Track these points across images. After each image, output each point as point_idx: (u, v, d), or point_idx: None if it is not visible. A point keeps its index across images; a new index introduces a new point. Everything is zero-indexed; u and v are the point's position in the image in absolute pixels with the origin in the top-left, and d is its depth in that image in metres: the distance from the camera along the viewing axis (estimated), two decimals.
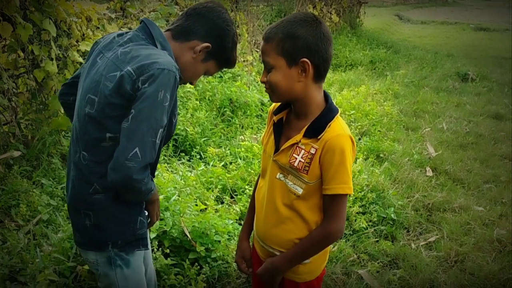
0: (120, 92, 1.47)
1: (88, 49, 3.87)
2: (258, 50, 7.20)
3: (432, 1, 33.37)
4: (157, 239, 2.76)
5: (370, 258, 3.05)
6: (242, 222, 3.06)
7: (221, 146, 4.54)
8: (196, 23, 1.66)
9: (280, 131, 1.65)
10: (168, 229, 2.77)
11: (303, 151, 1.54)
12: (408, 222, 3.50)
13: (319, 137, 1.51)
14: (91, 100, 1.53)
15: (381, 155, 4.56)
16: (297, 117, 1.61)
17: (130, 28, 4.79)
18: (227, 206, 3.33)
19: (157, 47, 1.59)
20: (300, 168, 1.54)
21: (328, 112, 1.55)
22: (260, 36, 7.23)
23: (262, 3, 11.11)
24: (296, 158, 1.55)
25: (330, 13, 10.32)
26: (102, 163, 1.53)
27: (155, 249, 2.62)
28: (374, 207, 3.46)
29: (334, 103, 1.61)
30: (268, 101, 5.87)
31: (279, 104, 1.69)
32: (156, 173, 3.24)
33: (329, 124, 1.52)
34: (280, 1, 13.25)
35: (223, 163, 4.09)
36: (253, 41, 7.07)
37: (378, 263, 3.00)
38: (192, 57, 1.67)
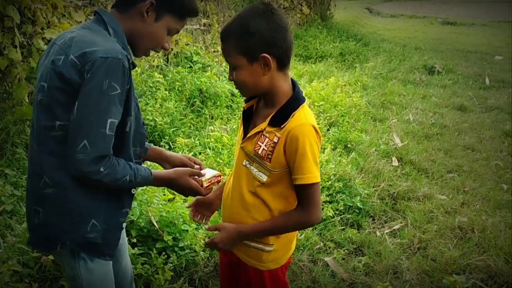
0: (67, 77, 1.42)
1: (54, 36, 3.79)
2: None
3: None
4: (124, 228, 2.75)
5: (336, 246, 3.11)
6: None
7: (190, 137, 4.52)
8: None
9: (249, 119, 1.67)
10: (135, 219, 2.76)
11: (267, 139, 1.55)
12: (373, 211, 3.58)
13: (282, 126, 1.52)
14: (42, 87, 1.48)
15: (349, 145, 4.63)
16: (266, 105, 1.62)
17: None
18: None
19: (109, 33, 1.53)
20: (264, 156, 1.55)
21: (294, 101, 1.56)
22: None
23: None
24: (260, 146, 1.56)
25: (301, 5, 10.36)
26: (52, 153, 1.48)
27: None
28: (341, 196, 3.52)
29: (303, 93, 1.63)
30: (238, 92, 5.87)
31: None
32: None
33: (293, 114, 1.53)
34: None
35: (192, 153, 4.08)
36: None
37: (344, 250, 3.06)
38: (143, 22, 1.56)
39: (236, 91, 5.75)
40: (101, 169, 1.44)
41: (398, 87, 7.33)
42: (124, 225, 1.71)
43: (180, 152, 4.08)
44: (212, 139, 4.35)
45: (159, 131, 4.44)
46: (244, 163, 1.64)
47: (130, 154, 1.61)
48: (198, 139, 4.42)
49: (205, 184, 1.71)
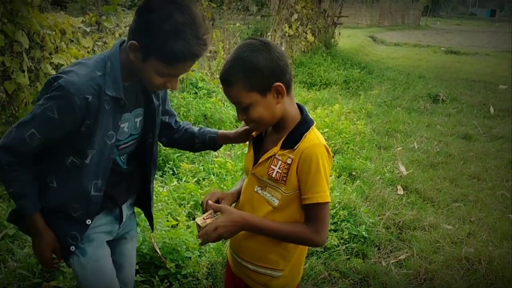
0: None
1: (61, 62, 3.83)
2: None
3: (405, 24, 34.29)
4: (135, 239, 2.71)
5: (341, 276, 3.06)
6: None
7: (194, 162, 4.51)
8: (132, 23, 1.54)
9: (259, 145, 1.68)
10: (138, 245, 2.73)
11: (280, 161, 1.56)
12: (379, 240, 3.53)
13: (295, 147, 1.54)
14: None
15: (354, 173, 4.61)
16: (275, 131, 1.64)
17: (104, 43, 4.76)
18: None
19: (106, 65, 1.58)
20: (278, 178, 1.56)
21: (304, 124, 1.59)
22: None
23: (239, 21, 11.25)
24: (273, 169, 1.58)
25: (306, 33, 10.48)
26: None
27: None
28: (346, 224, 3.48)
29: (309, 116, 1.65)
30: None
31: None
32: None
33: (304, 135, 1.56)
34: (256, 20, 13.44)
35: (196, 179, 4.07)
36: None
37: (349, 280, 3.01)
38: (132, 60, 1.55)
39: None
40: (1, 160, 1.58)
41: (403, 115, 7.34)
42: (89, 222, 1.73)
43: (184, 178, 4.07)
44: (216, 165, 4.34)
45: (163, 156, 4.44)
46: (256, 189, 1.64)
47: (88, 186, 1.65)
48: (202, 165, 4.41)
49: (200, 223, 1.56)
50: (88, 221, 1.70)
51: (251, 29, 12.12)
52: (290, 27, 9.16)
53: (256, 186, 1.64)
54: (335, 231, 3.43)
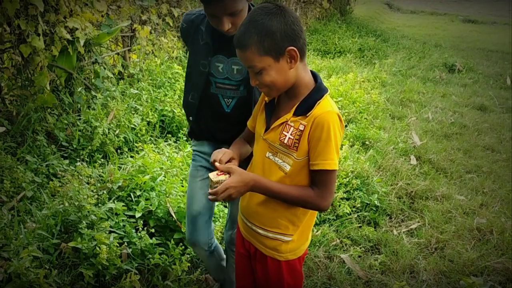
0: None
1: (76, 25, 3.81)
2: None
3: None
4: (143, 218, 2.77)
5: (353, 243, 3.10)
6: (227, 204, 3.09)
7: None
8: None
9: (272, 111, 1.67)
10: (153, 209, 2.78)
11: (292, 128, 1.57)
12: (391, 209, 3.55)
13: (307, 114, 1.55)
14: None
15: (367, 142, 4.60)
16: (288, 97, 1.64)
17: (118, 7, 4.71)
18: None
19: None
20: (290, 145, 1.57)
21: (317, 92, 1.59)
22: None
23: None
24: (285, 135, 1.58)
25: None
26: None
27: (140, 228, 2.63)
28: (358, 193, 3.50)
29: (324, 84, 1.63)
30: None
31: None
32: (143, 153, 3.25)
33: (318, 102, 1.56)
34: None
35: None
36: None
37: (360, 248, 3.04)
38: None
39: None
40: None
41: (418, 84, 7.25)
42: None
43: None
44: None
45: (177, 122, 4.45)
46: (267, 155, 1.65)
47: (187, 94, 2.14)
48: None
49: (212, 178, 1.56)
50: (190, 118, 2.13)
51: None
52: None
53: (268, 152, 1.65)
54: (347, 199, 3.45)
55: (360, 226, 3.27)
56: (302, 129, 1.55)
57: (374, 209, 3.48)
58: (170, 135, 4.31)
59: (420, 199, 3.75)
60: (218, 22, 1.79)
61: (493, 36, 13.98)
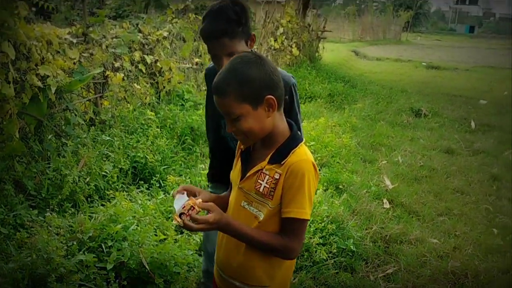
0: None
1: (47, 73, 3.78)
2: None
3: (386, 39, 34.76)
4: (114, 270, 2.67)
5: None
6: (202, 253, 3.02)
7: (181, 175, 4.49)
8: None
9: (247, 160, 1.67)
10: (125, 260, 2.70)
11: (267, 176, 1.57)
12: (366, 254, 3.54)
13: (282, 162, 1.55)
14: None
15: (340, 186, 4.63)
16: (263, 146, 1.64)
17: (91, 54, 4.72)
18: (186, 236, 3.27)
19: None
20: (266, 193, 1.56)
21: (293, 140, 1.60)
22: None
23: None
24: (261, 184, 1.58)
25: (291, 47, 10.56)
26: None
27: (112, 281, 2.53)
28: (334, 238, 3.48)
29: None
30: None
31: None
32: (114, 201, 3.18)
33: (293, 151, 1.57)
34: None
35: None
36: None
37: None
38: None
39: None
40: None
41: (387, 129, 7.42)
42: None
43: (171, 190, 4.04)
44: (203, 178, 4.31)
45: (150, 168, 4.40)
46: (242, 204, 1.64)
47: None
48: (189, 177, 4.39)
49: (177, 219, 1.51)
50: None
51: None
52: (275, 40, 9.24)
53: (243, 201, 1.63)
54: (323, 245, 3.43)
55: (337, 272, 3.24)
56: (277, 177, 1.55)
57: (350, 254, 3.46)
58: (142, 182, 4.25)
59: (395, 243, 3.76)
60: (219, 62, 1.92)
61: (455, 82, 14.53)
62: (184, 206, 1.53)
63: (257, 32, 13.70)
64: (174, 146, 4.99)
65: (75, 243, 2.74)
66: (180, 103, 5.94)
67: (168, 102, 5.85)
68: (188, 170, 4.69)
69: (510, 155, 6.47)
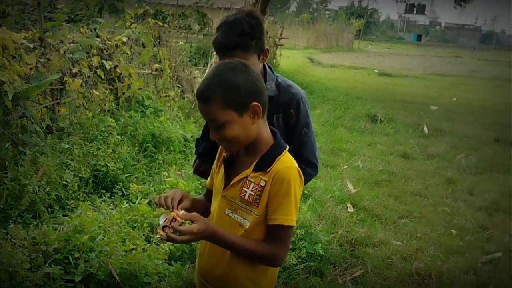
0: None
1: (4, 79, 3.62)
2: (179, 86, 7.17)
3: (339, 47, 35.58)
4: (83, 282, 2.58)
5: None
6: (172, 262, 2.97)
7: (144, 183, 4.40)
8: None
9: (230, 167, 1.65)
10: (94, 272, 2.61)
11: (252, 184, 1.56)
12: (334, 258, 3.59)
13: (268, 170, 1.54)
14: None
15: (305, 191, 4.66)
16: (247, 153, 1.63)
17: (48, 60, 4.56)
18: (155, 245, 3.20)
19: None
20: (251, 201, 1.55)
21: (277, 147, 1.60)
22: (182, 72, 7.23)
23: (181, 39, 11.19)
24: (246, 192, 1.56)
25: None
26: None
27: None
28: (303, 243, 3.51)
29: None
30: (192, 136, 5.83)
31: None
32: (79, 211, 3.08)
33: (278, 158, 1.56)
34: (198, 39, 13.44)
35: (147, 200, 3.96)
36: (175, 76, 7.05)
37: None
38: None
39: (188, 135, 5.71)
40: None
41: (345, 134, 7.57)
42: None
43: (135, 199, 3.95)
44: (168, 185, 4.25)
45: (111, 177, 4.29)
46: (226, 212, 1.62)
47: None
48: (152, 185, 4.31)
49: (160, 232, 1.48)
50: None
51: (193, 47, 12.11)
52: None
53: (227, 209, 1.61)
54: (293, 250, 3.44)
55: (307, 277, 3.26)
56: (263, 185, 1.54)
57: (319, 258, 3.50)
58: (104, 191, 4.13)
59: (360, 246, 3.83)
60: None
61: (407, 88, 15.04)
62: (166, 219, 1.49)
63: None
64: (135, 153, 4.89)
65: (40, 255, 2.62)
66: (141, 110, 5.82)
67: (128, 109, 5.72)
68: (151, 177, 4.61)
69: (462, 159, 6.74)
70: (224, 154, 1.68)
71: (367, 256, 3.66)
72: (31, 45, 4.39)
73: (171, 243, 2.87)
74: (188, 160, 5.27)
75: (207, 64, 10.52)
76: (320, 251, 3.50)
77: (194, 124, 6.46)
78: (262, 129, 1.59)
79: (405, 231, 4.20)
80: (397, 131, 8.47)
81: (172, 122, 5.81)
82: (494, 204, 4.95)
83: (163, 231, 1.47)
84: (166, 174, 4.66)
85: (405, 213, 4.64)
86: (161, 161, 5.02)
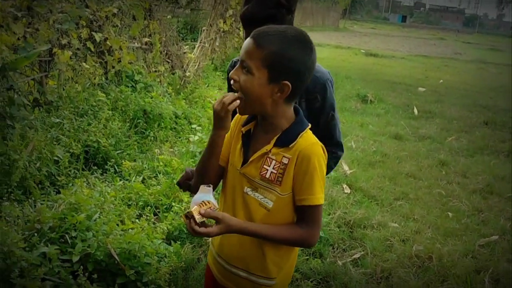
0: None
1: None
2: (169, 61, 6.98)
3: (325, 26, 35.37)
4: (80, 263, 2.47)
5: (303, 277, 3.02)
6: (171, 242, 2.89)
7: (135, 160, 4.27)
8: None
9: (248, 143, 1.56)
10: (92, 251, 2.50)
11: (274, 161, 1.48)
12: (333, 239, 3.55)
13: (290, 145, 1.46)
14: None
15: None
16: (265, 131, 1.54)
17: (37, 30, 4.35)
18: (152, 224, 3.11)
19: None
20: (273, 179, 1.48)
21: (300, 123, 1.52)
22: (172, 47, 7.03)
23: (169, 13, 10.91)
24: (267, 170, 1.48)
25: (239, 29, 10.39)
26: None
27: (80, 274, 2.34)
28: None
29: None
30: (183, 113, 5.69)
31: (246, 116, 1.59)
32: (74, 188, 2.95)
33: (301, 134, 1.48)
34: (185, 13, 13.15)
35: (141, 177, 3.85)
36: (165, 51, 6.84)
37: (311, 281, 2.98)
38: None
39: (179, 112, 5.57)
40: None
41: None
42: None
43: (128, 177, 3.84)
44: (161, 163, 4.13)
45: (103, 153, 4.15)
46: (245, 190, 1.53)
47: None
48: (145, 163, 4.18)
49: (184, 218, 1.44)
50: None
51: (180, 22, 11.85)
52: (224, 22, 9.03)
53: (246, 187, 1.53)
54: None
55: (307, 259, 3.20)
56: (286, 162, 1.46)
57: (318, 240, 3.43)
58: (96, 167, 3.99)
59: (359, 228, 3.79)
60: None
61: (393, 69, 15.01)
62: (196, 207, 1.42)
63: (201, 13, 13.42)
64: (126, 129, 4.74)
65: (35, 234, 2.50)
66: (131, 85, 5.65)
67: (118, 83, 5.54)
68: (143, 154, 4.48)
69: (453, 141, 6.75)
70: (242, 129, 1.58)
71: (366, 238, 3.62)
72: (19, 14, 4.17)
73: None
74: (180, 138, 5.15)
75: (194, 39, 10.30)
76: (320, 232, 3.44)
77: (184, 101, 6.31)
78: (284, 110, 1.50)
79: (402, 213, 4.17)
80: (387, 112, 8.44)
81: (163, 98, 5.66)
82: (488, 187, 4.96)
83: (187, 218, 1.41)
84: (159, 151, 4.54)
85: (401, 195, 4.61)
86: (152, 138, 4.88)
